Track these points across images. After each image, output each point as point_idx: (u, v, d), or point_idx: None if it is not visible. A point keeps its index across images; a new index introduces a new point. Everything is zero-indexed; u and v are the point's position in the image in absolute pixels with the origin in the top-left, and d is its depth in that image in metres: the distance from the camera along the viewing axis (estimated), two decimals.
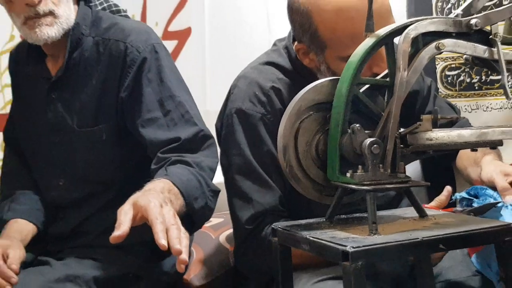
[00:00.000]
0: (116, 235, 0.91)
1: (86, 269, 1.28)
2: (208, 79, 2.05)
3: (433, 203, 1.15)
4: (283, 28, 1.49)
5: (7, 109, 2.06)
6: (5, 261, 1.16)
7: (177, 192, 1.14)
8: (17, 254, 1.21)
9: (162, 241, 0.89)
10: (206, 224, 1.37)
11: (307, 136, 0.89)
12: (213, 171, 1.28)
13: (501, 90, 0.98)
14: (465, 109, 1.61)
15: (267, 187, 1.21)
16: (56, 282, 1.22)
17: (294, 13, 1.20)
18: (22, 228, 1.33)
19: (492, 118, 1.61)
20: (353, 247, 0.74)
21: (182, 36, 2.07)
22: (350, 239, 0.80)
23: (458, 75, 1.65)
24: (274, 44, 1.37)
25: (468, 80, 1.62)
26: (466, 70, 1.62)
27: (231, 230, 1.40)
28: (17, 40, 2.19)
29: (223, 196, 1.33)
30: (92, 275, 1.26)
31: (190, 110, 1.31)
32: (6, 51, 2.25)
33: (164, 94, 1.30)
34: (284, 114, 0.90)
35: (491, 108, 1.60)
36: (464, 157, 1.31)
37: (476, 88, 1.61)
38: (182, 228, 0.96)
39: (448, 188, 1.16)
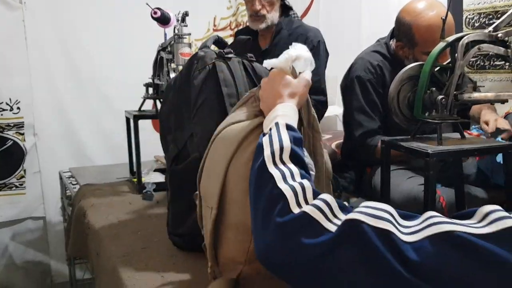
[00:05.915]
0: None
1: None
2: None
3: (474, 131, 1.49)
4: (369, 30, 2.09)
5: None
6: None
7: None
8: None
9: None
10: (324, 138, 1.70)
11: (404, 92, 1.15)
12: None
13: (500, 70, 1.35)
14: (477, 79, 1.87)
15: (372, 119, 1.61)
16: None
17: (401, 24, 1.56)
18: None
19: (493, 85, 1.93)
20: (431, 150, 0.97)
21: None
22: (428, 147, 1.01)
23: (476, 61, 2.01)
24: (378, 41, 1.75)
25: (481, 63, 1.98)
26: (481, 58, 1.96)
27: (337, 141, 1.96)
28: (210, 32, 2.90)
29: (330, 122, 1.81)
30: None
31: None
32: (203, 38, 2.95)
33: (317, 64, 1.47)
34: (393, 80, 1.17)
35: (493, 80, 1.93)
36: (474, 108, 1.66)
37: (486, 68, 1.95)
38: None
39: (484, 126, 1.47)
